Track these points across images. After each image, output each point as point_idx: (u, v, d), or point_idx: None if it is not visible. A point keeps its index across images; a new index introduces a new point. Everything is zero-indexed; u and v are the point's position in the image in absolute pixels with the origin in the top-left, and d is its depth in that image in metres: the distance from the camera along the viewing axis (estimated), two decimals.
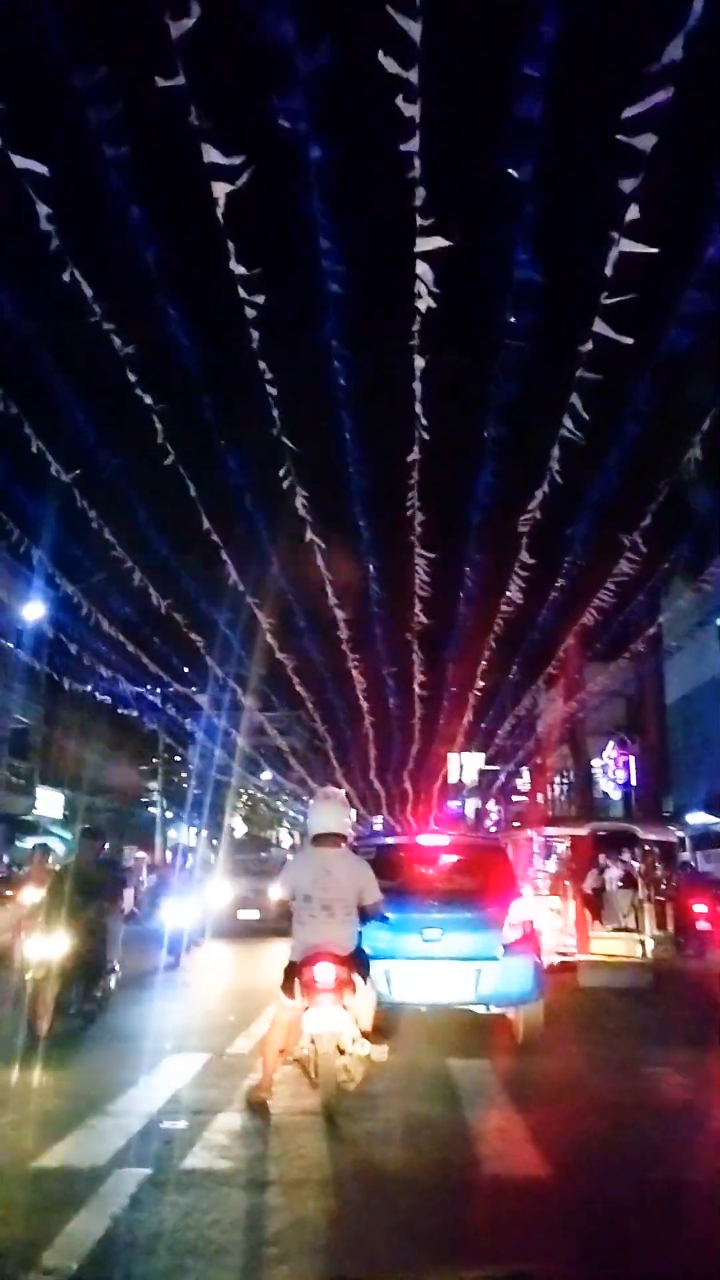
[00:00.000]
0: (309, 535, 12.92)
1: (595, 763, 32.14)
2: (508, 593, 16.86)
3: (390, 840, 13.96)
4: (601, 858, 14.70)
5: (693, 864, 22.29)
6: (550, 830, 15.78)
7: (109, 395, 10.26)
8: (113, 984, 10.03)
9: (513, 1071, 7.39)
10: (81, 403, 11.07)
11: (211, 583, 18.12)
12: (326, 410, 9.85)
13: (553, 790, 43.56)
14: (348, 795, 59.64)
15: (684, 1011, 10.79)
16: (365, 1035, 5.95)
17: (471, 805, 61.33)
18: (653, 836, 14.48)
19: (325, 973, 5.70)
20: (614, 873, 14.50)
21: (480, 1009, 8.08)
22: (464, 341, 11.43)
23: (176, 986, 12.90)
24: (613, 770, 31.38)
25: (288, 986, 5.90)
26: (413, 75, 5.06)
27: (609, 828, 15.94)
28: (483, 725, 38.46)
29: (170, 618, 18.22)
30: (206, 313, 9.26)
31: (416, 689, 24.86)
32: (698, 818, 26.33)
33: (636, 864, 14.11)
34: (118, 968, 10.25)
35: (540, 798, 41.59)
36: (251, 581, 16.88)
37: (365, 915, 6.20)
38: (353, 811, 69.70)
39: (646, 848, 13.96)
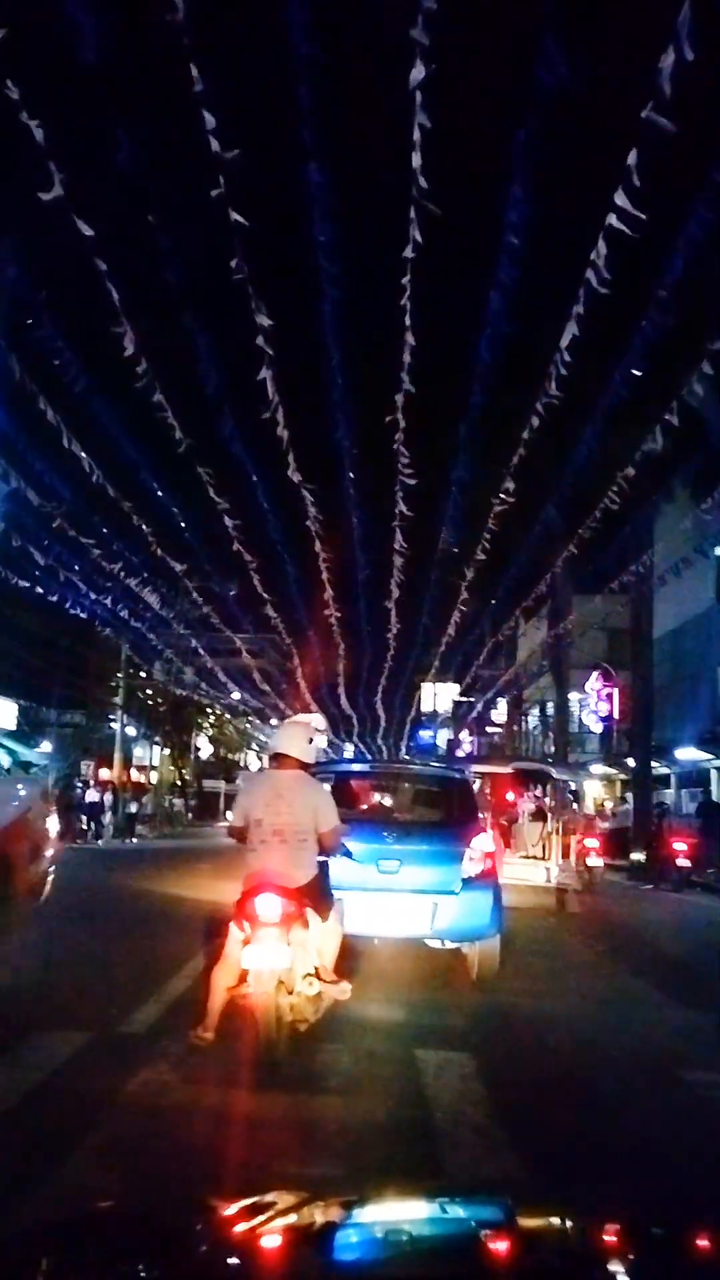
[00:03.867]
0: (281, 432, 12.11)
1: (574, 696, 31.61)
2: (493, 511, 16.18)
3: (350, 766, 13.68)
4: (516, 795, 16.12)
5: (669, 803, 22.16)
6: (478, 768, 16.68)
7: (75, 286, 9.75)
8: None
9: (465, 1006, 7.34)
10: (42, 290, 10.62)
11: (181, 489, 17.32)
12: (310, 302, 9.43)
13: (526, 722, 43.32)
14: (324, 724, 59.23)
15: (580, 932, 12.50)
16: (322, 973, 5.60)
17: (444, 736, 61.45)
18: (564, 776, 16.48)
19: (268, 905, 5.23)
20: (527, 806, 15.82)
21: (435, 943, 7.97)
22: (462, 232, 10.55)
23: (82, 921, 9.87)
24: (594, 703, 30.89)
25: (238, 918, 5.40)
26: None
27: (526, 767, 17.16)
28: (459, 655, 38.09)
29: (137, 526, 17.79)
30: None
31: (393, 612, 24.18)
32: (687, 753, 26.14)
33: (548, 800, 15.48)
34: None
35: (515, 729, 41.46)
36: (225, 493, 16.12)
37: (323, 847, 5.73)
38: (324, 737, 70.00)
39: (558, 785, 15.60)
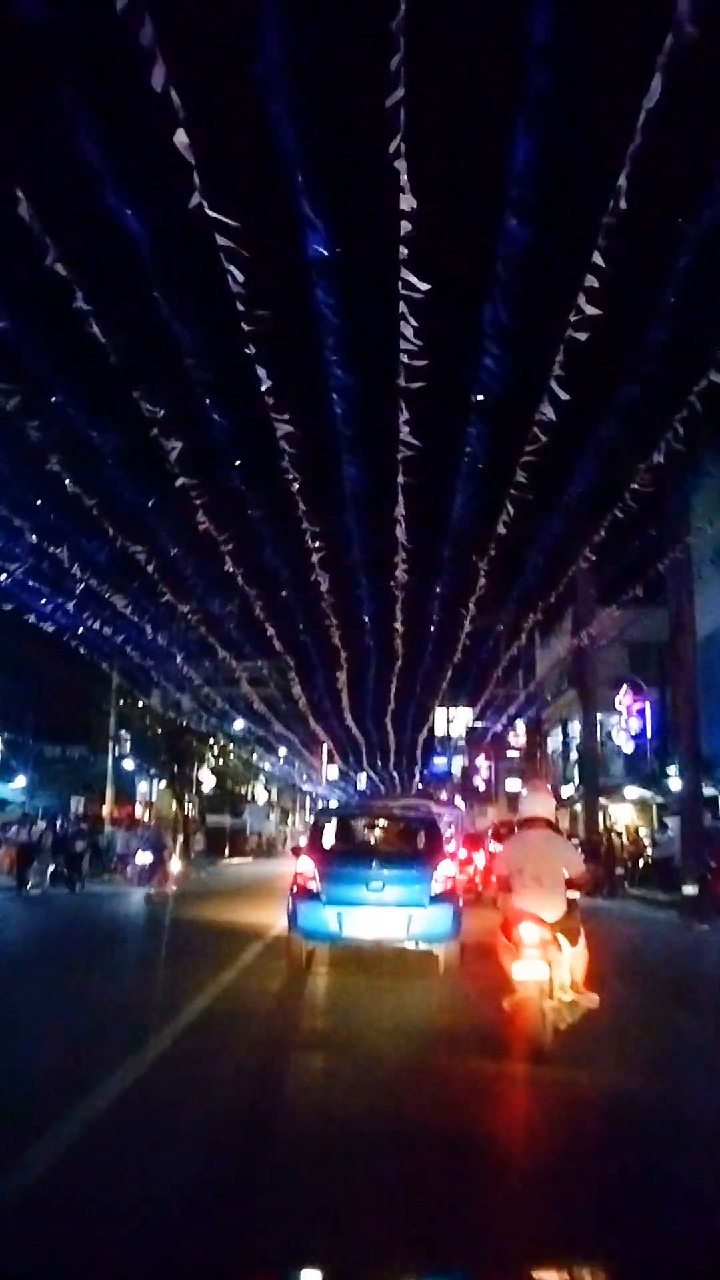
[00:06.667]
0: (286, 465, 12.24)
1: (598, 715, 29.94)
2: (504, 518, 14.96)
3: (346, 810, 18.04)
4: None
5: (708, 825, 20.42)
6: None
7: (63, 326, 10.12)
8: None
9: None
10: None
11: (181, 519, 16.75)
12: (310, 331, 9.74)
13: (548, 744, 41.66)
14: (329, 750, 58.39)
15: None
16: (576, 986, 6.92)
17: (458, 763, 59.94)
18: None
19: (530, 932, 6.78)
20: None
21: (411, 945, 10.15)
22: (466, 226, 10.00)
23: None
24: (624, 719, 29.16)
25: (506, 941, 7.07)
26: None
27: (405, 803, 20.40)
28: (473, 675, 36.71)
29: (128, 554, 17.41)
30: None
31: (401, 633, 22.97)
32: None
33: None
34: None
35: (536, 753, 39.83)
36: (224, 518, 15.84)
37: (575, 886, 7.25)
38: (335, 768, 68.65)
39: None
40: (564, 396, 10.56)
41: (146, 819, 39.09)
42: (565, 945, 6.85)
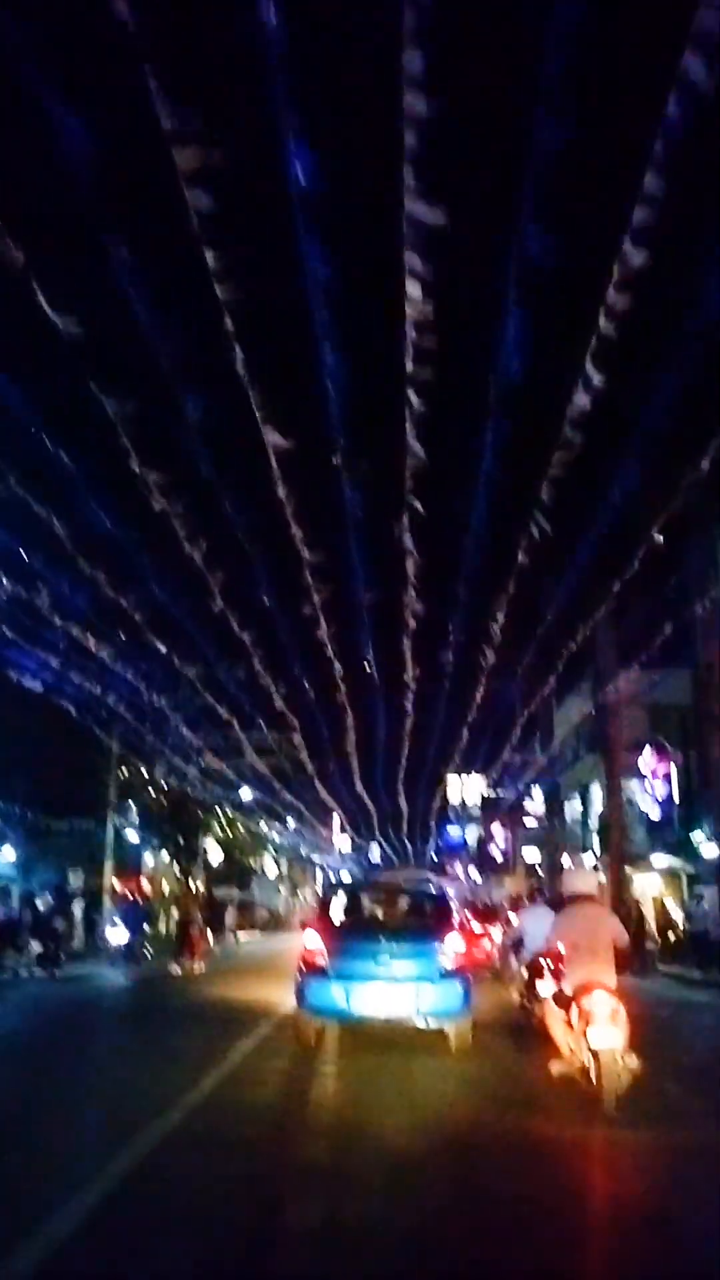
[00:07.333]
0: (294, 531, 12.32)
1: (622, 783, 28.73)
2: (515, 578, 14.37)
3: (354, 885, 17.57)
4: None
5: None
6: None
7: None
8: None
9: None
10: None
11: (184, 577, 16.31)
12: (314, 395, 9.67)
13: (561, 810, 40.33)
14: (342, 822, 57.95)
15: None
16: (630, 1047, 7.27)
17: (473, 831, 58.46)
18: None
19: (603, 1001, 7.18)
20: None
21: (420, 1022, 9.80)
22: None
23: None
24: (649, 783, 27.90)
25: (577, 1010, 7.38)
26: None
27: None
28: (487, 741, 35.72)
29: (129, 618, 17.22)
30: None
31: (412, 698, 22.21)
32: None
33: None
34: None
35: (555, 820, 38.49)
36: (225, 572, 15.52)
37: (618, 955, 7.77)
38: (347, 839, 67.30)
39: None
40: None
41: (149, 892, 37.68)
42: (622, 1014, 7.31)
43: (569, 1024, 7.55)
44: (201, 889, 40.17)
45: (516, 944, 12.53)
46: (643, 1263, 4.30)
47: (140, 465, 11.11)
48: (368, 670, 20.70)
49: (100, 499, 13.27)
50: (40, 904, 23.04)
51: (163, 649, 20.47)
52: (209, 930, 26.76)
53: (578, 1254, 4.40)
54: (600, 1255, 4.42)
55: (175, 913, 38.10)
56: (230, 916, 38.41)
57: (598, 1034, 7.08)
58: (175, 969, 20.06)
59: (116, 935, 21.76)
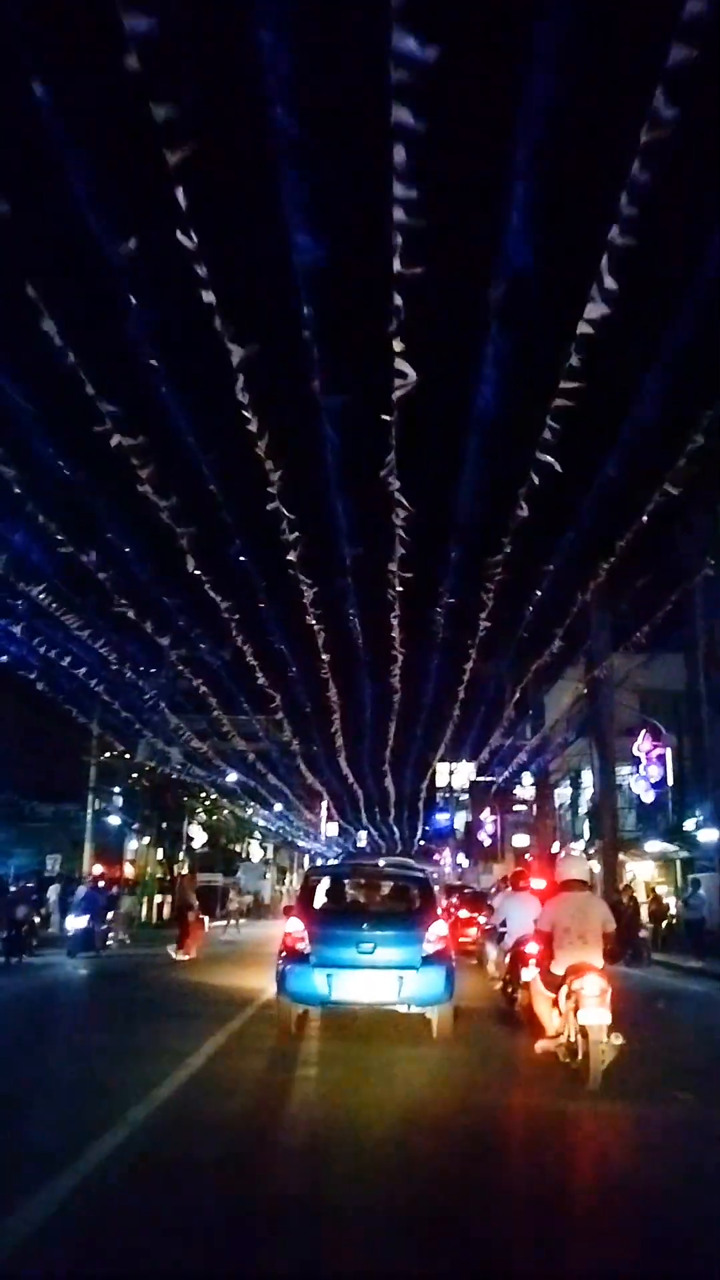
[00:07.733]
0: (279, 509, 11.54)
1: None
2: (503, 553, 13.92)
3: (337, 870, 17.49)
4: None
5: None
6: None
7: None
8: None
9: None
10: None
11: (170, 558, 15.54)
12: (302, 371, 9.19)
13: (552, 795, 39.94)
14: (328, 807, 57.78)
15: None
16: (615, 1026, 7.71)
17: (461, 817, 58.17)
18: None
19: (593, 983, 7.67)
20: None
21: (403, 1008, 9.89)
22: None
23: None
24: (644, 767, 27.45)
25: (551, 986, 8.22)
26: None
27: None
28: (476, 726, 35.27)
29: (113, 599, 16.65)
30: None
31: (399, 681, 21.74)
32: None
33: None
34: None
35: (546, 806, 38.02)
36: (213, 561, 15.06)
37: (607, 940, 8.23)
38: (334, 825, 66.99)
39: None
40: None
41: (131, 877, 37.17)
42: (609, 995, 7.76)
43: (556, 1004, 8.12)
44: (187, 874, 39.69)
45: (497, 930, 12.60)
46: (626, 1229, 4.58)
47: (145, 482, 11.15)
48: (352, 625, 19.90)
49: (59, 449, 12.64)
50: (14, 889, 22.40)
51: (153, 632, 19.87)
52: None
53: (564, 1221, 4.71)
54: (586, 1222, 4.71)
55: (159, 899, 37.80)
56: (234, 902, 37.93)
57: (587, 1013, 7.54)
58: (179, 955, 19.52)
59: (75, 922, 20.94)
